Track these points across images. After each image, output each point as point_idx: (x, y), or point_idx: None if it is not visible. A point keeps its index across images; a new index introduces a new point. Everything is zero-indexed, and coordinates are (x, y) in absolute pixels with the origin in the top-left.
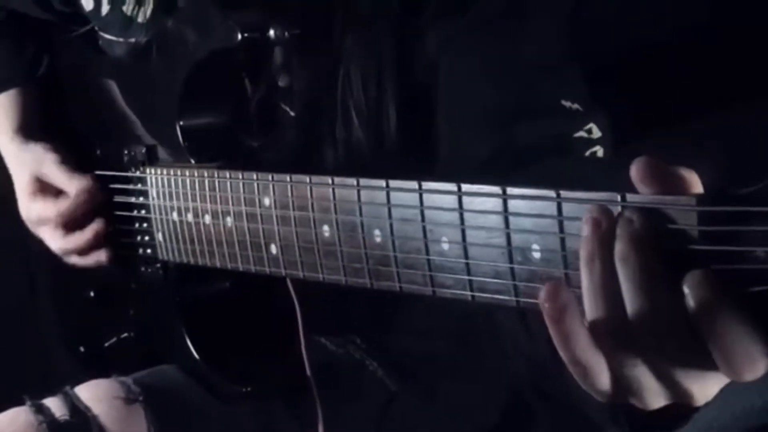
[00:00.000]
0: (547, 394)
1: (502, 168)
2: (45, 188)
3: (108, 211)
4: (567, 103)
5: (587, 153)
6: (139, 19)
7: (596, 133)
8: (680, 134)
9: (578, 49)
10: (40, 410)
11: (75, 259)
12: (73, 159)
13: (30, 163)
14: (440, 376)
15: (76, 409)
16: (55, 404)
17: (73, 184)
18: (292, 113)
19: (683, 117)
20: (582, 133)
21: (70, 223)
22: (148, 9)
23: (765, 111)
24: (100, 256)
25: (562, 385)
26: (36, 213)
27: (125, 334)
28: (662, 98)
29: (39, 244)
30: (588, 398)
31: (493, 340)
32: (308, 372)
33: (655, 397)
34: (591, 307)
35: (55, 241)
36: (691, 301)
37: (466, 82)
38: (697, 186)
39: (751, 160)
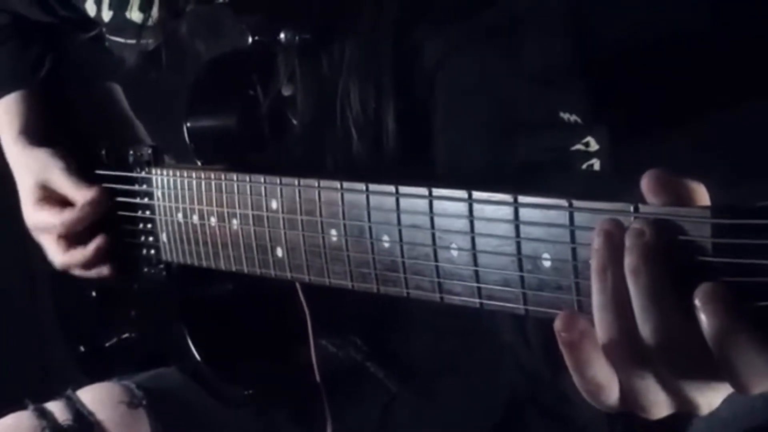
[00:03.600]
0: (542, 402)
1: (500, 181)
2: (50, 196)
3: (112, 213)
4: (565, 115)
5: (584, 166)
6: (144, 22)
7: (593, 146)
8: (677, 146)
9: (577, 60)
10: (43, 415)
11: (76, 272)
12: (79, 165)
13: (35, 168)
14: (441, 378)
15: (80, 414)
16: (57, 408)
17: (79, 195)
18: (295, 122)
19: (680, 128)
20: (579, 146)
21: (73, 235)
22: (154, 12)
23: (762, 119)
24: (101, 272)
25: (558, 394)
26: (40, 221)
27: (126, 335)
28: (660, 109)
29: (39, 244)
30: (584, 407)
31: (492, 342)
32: (318, 378)
33: (660, 407)
34: (601, 320)
35: (56, 253)
36: (702, 315)
37: (464, 95)
38: (704, 198)
39: (749, 167)
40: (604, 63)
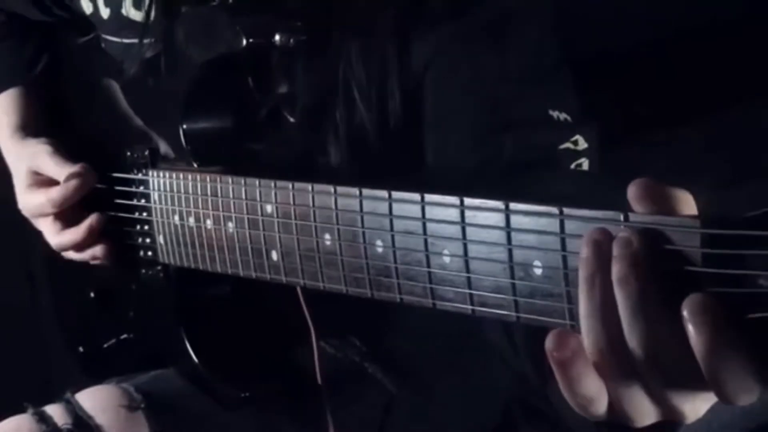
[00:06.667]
0: (531, 407)
1: (488, 179)
2: (40, 181)
3: (109, 211)
4: (555, 113)
5: (573, 165)
6: (140, 20)
7: (582, 145)
8: (667, 146)
9: (567, 57)
10: (43, 419)
11: (72, 255)
12: (69, 150)
13: (26, 157)
14: (439, 378)
15: (79, 417)
16: (57, 412)
17: (63, 172)
18: (292, 119)
19: (670, 128)
20: (568, 145)
21: (66, 216)
22: (150, 11)
23: (754, 118)
24: (95, 252)
25: (546, 399)
26: (31, 204)
27: (125, 336)
28: (650, 109)
29: (38, 244)
30: (572, 413)
31: (486, 346)
32: (319, 380)
33: (646, 416)
34: (588, 329)
35: (52, 235)
36: (690, 326)
37: (454, 93)
38: (691, 207)
39: (740, 166)
40: (594, 61)
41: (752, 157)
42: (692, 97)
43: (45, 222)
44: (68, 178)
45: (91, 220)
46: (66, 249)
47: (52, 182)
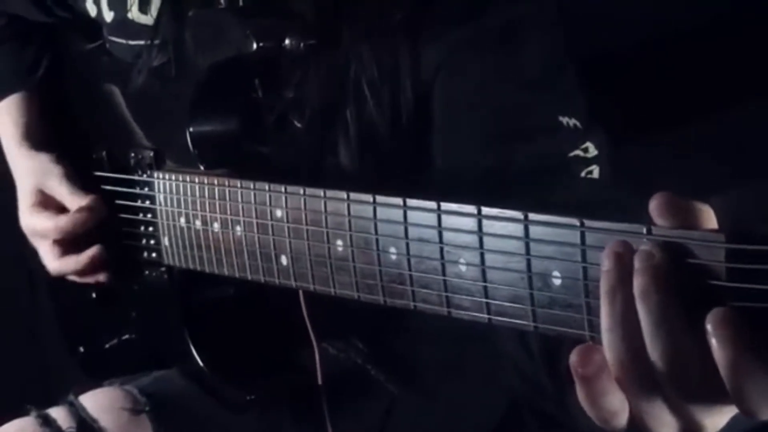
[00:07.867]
0: (541, 412)
1: (497, 187)
2: (46, 201)
3: (113, 216)
4: (564, 120)
5: (583, 173)
6: (146, 23)
7: (592, 152)
8: (677, 152)
9: (576, 63)
10: (47, 422)
11: (72, 278)
12: (79, 168)
13: (35, 173)
14: (442, 381)
15: (83, 420)
16: (60, 415)
17: (74, 201)
18: (299, 125)
19: (680, 135)
20: (578, 152)
21: (67, 241)
22: (153, 12)
23: (762, 122)
24: (98, 279)
25: (560, 405)
26: (35, 225)
27: (126, 336)
28: (660, 115)
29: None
30: (589, 422)
31: (493, 347)
32: (320, 381)
33: (667, 429)
34: (610, 342)
35: (50, 259)
36: (713, 340)
37: (463, 100)
38: (711, 221)
39: (750, 170)
40: (603, 67)
41: (761, 160)
42: (701, 103)
43: (44, 244)
44: (80, 210)
45: (93, 251)
46: (65, 275)
47: (58, 204)
